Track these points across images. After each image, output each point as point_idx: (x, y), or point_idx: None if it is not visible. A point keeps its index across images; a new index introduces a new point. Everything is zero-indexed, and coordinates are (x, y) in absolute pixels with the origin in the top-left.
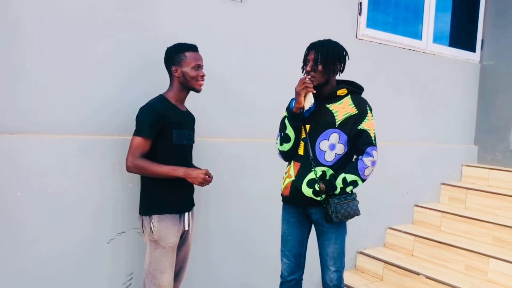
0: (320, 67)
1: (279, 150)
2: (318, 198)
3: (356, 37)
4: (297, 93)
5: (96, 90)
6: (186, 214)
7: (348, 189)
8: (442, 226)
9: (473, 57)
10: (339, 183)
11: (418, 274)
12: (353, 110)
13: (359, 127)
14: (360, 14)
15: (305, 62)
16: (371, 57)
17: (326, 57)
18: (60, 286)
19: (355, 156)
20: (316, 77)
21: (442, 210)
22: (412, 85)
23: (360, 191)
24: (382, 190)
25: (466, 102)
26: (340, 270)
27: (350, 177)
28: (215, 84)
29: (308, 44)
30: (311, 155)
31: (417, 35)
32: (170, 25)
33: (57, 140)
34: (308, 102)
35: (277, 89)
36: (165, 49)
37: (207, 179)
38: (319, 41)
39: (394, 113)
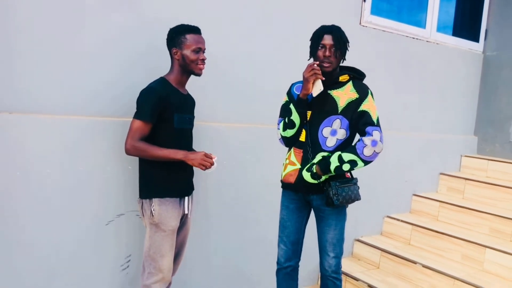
0: (339, 52)
1: (282, 136)
2: (316, 181)
3: (360, 23)
4: (306, 80)
5: (98, 72)
6: (186, 198)
7: (345, 167)
8: (440, 216)
9: (476, 47)
10: (333, 160)
11: (414, 262)
12: (355, 95)
13: (359, 109)
14: (364, 0)
15: (318, 46)
16: (374, 44)
17: (343, 41)
18: (58, 267)
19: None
20: (333, 62)
21: (440, 200)
22: (414, 73)
23: (359, 178)
24: (380, 179)
25: (468, 92)
26: (339, 256)
27: (347, 156)
28: (217, 68)
29: (314, 29)
30: (310, 141)
31: (421, 23)
32: (172, 7)
33: (57, 121)
34: (317, 89)
35: (279, 74)
36: (168, 31)
37: (206, 160)
38: (333, 26)
39: (395, 101)
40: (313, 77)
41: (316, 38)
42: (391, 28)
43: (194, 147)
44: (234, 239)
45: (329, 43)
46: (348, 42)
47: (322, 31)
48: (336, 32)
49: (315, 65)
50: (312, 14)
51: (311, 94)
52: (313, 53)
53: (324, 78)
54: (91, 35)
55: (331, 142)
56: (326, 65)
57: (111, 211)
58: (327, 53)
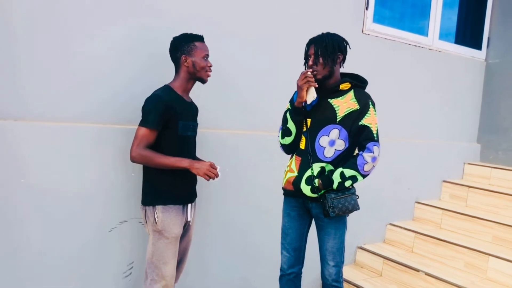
0: (321, 60)
1: (281, 143)
2: (316, 195)
3: (362, 31)
4: (299, 88)
5: (102, 80)
6: (189, 205)
7: (347, 183)
8: (443, 224)
9: (478, 55)
10: (336, 177)
11: (417, 270)
12: (355, 106)
13: (360, 123)
14: (367, 8)
15: (306, 57)
16: (376, 52)
17: (325, 48)
18: (61, 274)
19: (356, 151)
20: (319, 71)
21: (443, 208)
22: (416, 81)
23: (361, 186)
24: (383, 186)
25: (471, 100)
26: (339, 265)
27: (348, 172)
28: (219, 76)
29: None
30: (310, 151)
31: (423, 31)
32: (177, 17)
33: (62, 129)
34: (311, 96)
35: (280, 82)
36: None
37: (211, 171)
38: (318, 35)
39: (397, 109)
40: (306, 85)
41: (305, 50)
42: (393, 36)
43: (196, 154)
44: (237, 246)
45: (312, 52)
46: (343, 47)
47: (308, 42)
48: (317, 42)
49: (308, 72)
50: (314, 23)
51: (308, 102)
52: (305, 64)
53: (317, 85)
54: (99, 45)
55: (329, 153)
56: (313, 73)
57: (114, 218)
58: (310, 63)
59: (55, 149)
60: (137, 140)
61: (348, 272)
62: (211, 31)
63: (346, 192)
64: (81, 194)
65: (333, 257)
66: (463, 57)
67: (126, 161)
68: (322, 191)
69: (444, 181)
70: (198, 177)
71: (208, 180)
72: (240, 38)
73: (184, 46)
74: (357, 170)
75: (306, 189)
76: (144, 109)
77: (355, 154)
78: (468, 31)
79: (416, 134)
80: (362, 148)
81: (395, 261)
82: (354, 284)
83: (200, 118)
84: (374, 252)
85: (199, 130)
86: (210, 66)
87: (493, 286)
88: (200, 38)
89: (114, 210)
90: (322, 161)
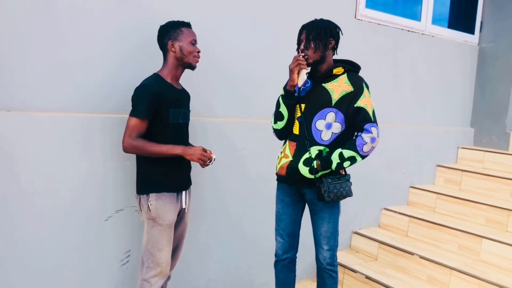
0: (312, 44)
1: (273, 128)
2: (312, 176)
3: (355, 17)
4: (291, 71)
5: (93, 68)
6: (184, 192)
7: (346, 164)
8: (437, 208)
9: (471, 39)
10: (335, 157)
11: (412, 254)
12: (349, 88)
13: (355, 105)
14: None
15: (299, 43)
16: (369, 37)
17: (317, 33)
18: (58, 264)
19: (356, 134)
20: (309, 55)
21: (437, 192)
22: (410, 66)
23: (356, 171)
24: (378, 171)
25: (464, 84)
26: (333, 249)
27: (347, 153)
28: (214, 62)
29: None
30: (306, 135)
31: (416, 16)
32: (165, 3)
33: (55, 118)
34: (302, 79)
35: (275, 68)
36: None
37: (205, 155)
38: (310, 21)
39: (391, 94)
40: (297, 68)
41: (298, 35)
42: (386, 21)
43: (191, 142)
44: (232, 233)
45: (303, 37)
46: (335, 32)
47: (300, 28)
48: (309, 27)
49: (300, 56)
50: (308, 9)
51: (301, 87)
52: (298, 49)
53: (308, 68)
54: (87, 33)
55: (326, 136)
56: (305, 57)
57: (110, 207)
58: (301, 47)
59: (49, 139)
60: (128, 130)
61: (343, 256)
62: (205, 18)
63: (342, 178)
64: (76, 183)
65: (327, 241)
66: (456, 41)
67: (120, 150)
68: (320, 174)
69: (438, 166)
70: (192, 164)
71: (203, 167)
72: (234, 25)
73: (171, 32)
74: (356, 151)
75: (304, 170)
76: (134, 99)
77: (355, 136)
78: (461, 16)
79: (410, 119)
80: (360, 130)
81: (390, 245)
82: (349, 268)
83: (195, 106)
84: (369, 237)
85: (193, 117)
86: (198, 52)
87: (486, 268)
88: (187, 24)
89: (110, 199)
90: (320, 144)
